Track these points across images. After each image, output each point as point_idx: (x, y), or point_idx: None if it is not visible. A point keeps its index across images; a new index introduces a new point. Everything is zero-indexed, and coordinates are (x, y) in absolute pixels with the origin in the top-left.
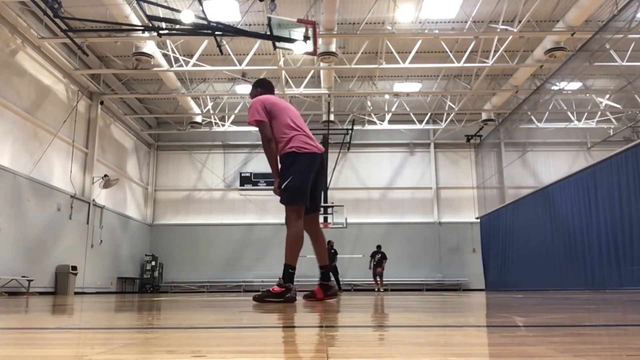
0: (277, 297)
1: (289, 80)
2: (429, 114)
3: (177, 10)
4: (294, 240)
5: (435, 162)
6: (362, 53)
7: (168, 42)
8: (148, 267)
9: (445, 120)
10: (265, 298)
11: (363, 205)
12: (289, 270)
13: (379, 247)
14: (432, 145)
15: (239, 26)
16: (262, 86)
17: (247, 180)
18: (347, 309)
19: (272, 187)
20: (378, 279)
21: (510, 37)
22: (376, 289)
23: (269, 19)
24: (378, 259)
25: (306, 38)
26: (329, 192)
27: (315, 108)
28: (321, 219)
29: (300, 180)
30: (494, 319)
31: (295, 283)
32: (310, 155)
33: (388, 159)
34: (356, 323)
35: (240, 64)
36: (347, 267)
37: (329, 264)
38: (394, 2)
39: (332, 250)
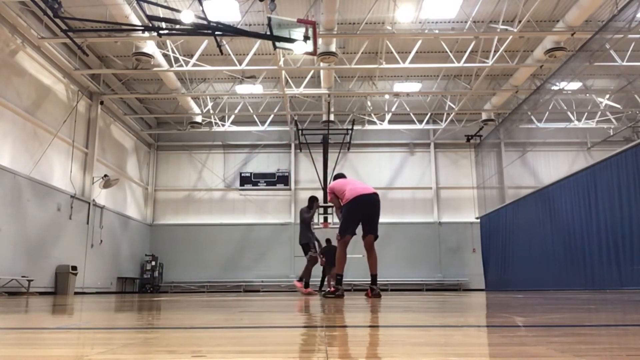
0: (333, 294)
1: (289, 80)
2: (429, 114)
3: (177, 10)
4: (338, 257)
5: (435, 162)
6: (362, 53)
7: (168, 42)
8: (148, 267)
9: (445, 120)
10: (326, 295)
11: None
12: (337, 277)
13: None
14: (432, 145)
15: (239, 26)
16: (338, 177)
17: (247, 180)
18: (347, 309)
19: (272, 187)
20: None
21: (510, 37)
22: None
23: (269, 19)
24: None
25: (306, 38)
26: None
27: (315, 108)
28: (321, 219)
29: (345, 220)
30: (494, 319)
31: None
32: (353, 201)
33: (388, 159)
34: (356, 323)
35: (240, 64)
36: (347, 268)
37: (329, 263)
38: (394, 2)
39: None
